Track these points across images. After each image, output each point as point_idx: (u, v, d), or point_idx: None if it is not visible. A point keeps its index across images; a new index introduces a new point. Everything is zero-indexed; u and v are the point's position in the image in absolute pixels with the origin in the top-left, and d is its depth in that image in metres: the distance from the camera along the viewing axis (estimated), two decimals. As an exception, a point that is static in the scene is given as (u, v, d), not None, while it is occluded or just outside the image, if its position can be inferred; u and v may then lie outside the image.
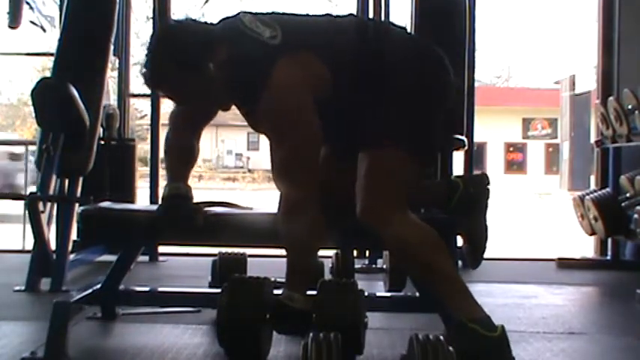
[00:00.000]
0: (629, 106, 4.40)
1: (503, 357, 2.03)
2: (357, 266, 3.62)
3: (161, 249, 4.61)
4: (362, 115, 2.17)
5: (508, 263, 4.81)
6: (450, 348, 1.82)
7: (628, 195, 4.53)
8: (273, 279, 2.29)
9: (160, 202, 2.36)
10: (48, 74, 4.35)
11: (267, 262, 2.95)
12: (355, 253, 3.97)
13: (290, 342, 2.40)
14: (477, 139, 4.75)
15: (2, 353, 2.36)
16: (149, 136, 4.80)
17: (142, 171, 5.57)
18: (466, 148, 3.94)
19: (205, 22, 2.25)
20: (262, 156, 23.57)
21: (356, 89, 2.16)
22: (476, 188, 2.48)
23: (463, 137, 3.63)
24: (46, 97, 3.55)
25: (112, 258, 2.77)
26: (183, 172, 2.34)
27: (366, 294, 2.35)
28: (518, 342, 2.44)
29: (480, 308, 2.09)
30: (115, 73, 4.95)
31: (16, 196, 4.22)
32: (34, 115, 3.66)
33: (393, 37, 2.32)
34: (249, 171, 25.84)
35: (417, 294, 2.62)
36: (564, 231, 7.26)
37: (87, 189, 3.84)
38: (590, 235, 4.86)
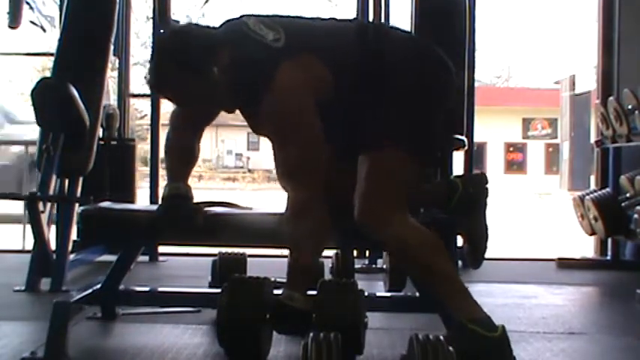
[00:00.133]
0: (629, 106, 4.40)
1: (504, 357, 2.03)
2: (357, 266, 3.62)
3: (161, 249, 4.61)
4: (362, 116, 2.18)
5: (508, 263, 4.81)
6: (450, 348, 1.82)
7: (628, 195, 4.53)
8: (273, 279, 2.29)
9: (159, 202, 2.37)
10: (48, 74, 4.35)
11: (267, 262, 2.95)
12: (355, 253, 3.97)
13: (290, 342, 2.40)
14: (477, 139, 4.75)
15: (2, 353, 2.36)
16: (149, 136, 4.80)
17: (142, 171, 5.57)
18: (466, 148, 3.94)
19: (208, 26, 2.26)
20: (262, 156, 23.58)
21: (356, 91, 2.17)
22: (475, 188, 2.48)
23: (463, 137, 3.63)
24: (46, 97, 3.55)
25: (112, 258, 2.77)
26: (183, 172, 2.34)
27: (366, 294, 2.35)
28: (518, 342, 2.44)
29: (480, 308, 2.09)
30: (115, 73, 4.96)
31: (16, 196, 4.21)
32: (34, 115, 3.66)
33: (393, 38, 2.32)
34: (249, 171, 25.85)
35: (417, 294, 2.62)
36: (564, 231, 7.26)
37: (87, 189, 3.84)
38: (590, 235, 4.86)
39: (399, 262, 2.87)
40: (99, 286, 2.64)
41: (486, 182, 2.51)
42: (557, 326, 2.92)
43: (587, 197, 4.70)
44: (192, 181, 2.37)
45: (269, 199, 7.84)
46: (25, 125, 7.02)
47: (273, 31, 2.17)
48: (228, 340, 2.18)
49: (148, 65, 2.23)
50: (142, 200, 4.73)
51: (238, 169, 26.69)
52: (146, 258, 4.48)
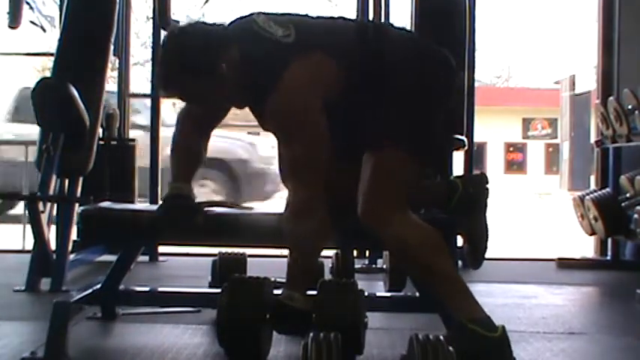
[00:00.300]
0: (629, 106, 4.40)
1: (504, 357, 2.02)
2: (357, 266, 3.62)
3: (161, 249, 4.61)
4: (363, 116, 2.18)
5: (508, 263, 4.81)
6: (450, 348, 1.82)
7: (628, 195, 4.53)
8: (273, 279, 2.29)
9: (160, 201, 2.37)
10: (48, 74, 4.35)
11: (267, 262, 2.95)
12: (355, 253, 3.97)
13: (290, 342, 2.40)
14: (477, 139, 4.74)
15: (2, 353, 2.36)
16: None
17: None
18: (466, 148, 3.94)
19: (216, 24, 2.25)
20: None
21: (361, 90, 2.17)
22: (475, 188, 2.48)
23: (463, 137, 3.63)
24: (46, 97, 3.55)
25: (112, 258, 2.77)
26: (186, 173, 2.34)
27: (366, 294, 2.35)
28: (518, 342, 2.44)
29: (480, 308, 2.09)
30: (115, 73, 4.95)
31: (16, 196, 4.22)
32: (34, 115, 3.66)
33: (393, 38, 2.32)
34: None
35: (417, 294, 2.62)
36: (564, 231, 7.25)
37: (87, 189, 3.84)
38: (590, 235, 4.86)
39: (399, 262, 2.87)
40: (99, 286, 2.64)
41: (487, 182, 2.51)
42: (557, 326, 2.92)
43: (587, 197, 4.70)
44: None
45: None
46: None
47: (283, 28, 2.17)
48: (228, 340, 2.18)
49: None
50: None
51: (238, 169, 26.66)
52: (146, 258, 4.48)
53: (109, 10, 4.02)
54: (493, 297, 3.40)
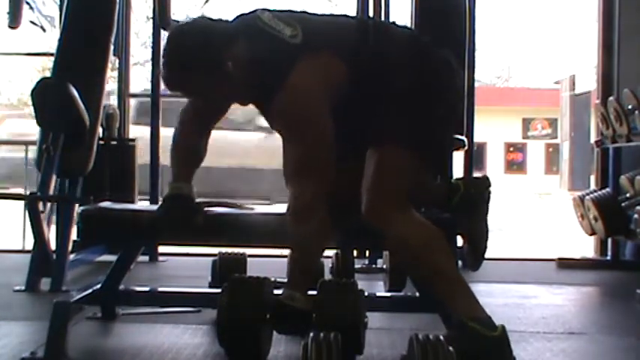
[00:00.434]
0: (629, 106, 4.40)
1: (504, 357, 2.02)
2: (357, 266, 3.62)
3: (161, 249, 4.61)
4: (364, 114, 2.18)
5: (508, 263, 4.81)
6: (450, 348, 1.82)
7: (628, 195, 4.53)
8: (273, 279, 2.28)
9: (160, 201, 2.36)
10: (48, 74, 4.35)
11: (267, 262, 2.95)
12: (355, 253, 3.97)
13: (290, 342, 2.40)
14: (477, 139, 4.74)
15: (2, 353, 2.36)
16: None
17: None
18: (466, 148, 3.94)
19: (221, 20, 2.24)
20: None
21: (362, 88, 2.17)
22: (477, 189, 2.48)
23: (463, 137, 3.63)
24: (46, 97, 3.55)
25: (112, 258, 2.77)
26: (186, 172, 2.33)
27: (366, 294, 2.35)
28: (518, 342, 2.44)
29: (480, 308, 2.09)
30: (115, 73, 4.95)
31: (16, 196, 4.22)
32: (34, 115, 3.66)
33: (393, 35, 2.32)
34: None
35: (417, 294, 2.62)
36: (564, 231, 7.26)
37: (87, 189, 3.84)
38: (590, 235, 4.86)
39: (400, 260, 2.87)
40: (99, 286, 2.64)
41: (489, 185, 2.51)
42: (557, 326, 2.92)
43: (587, 197, 4.70)
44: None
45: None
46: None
47: (290, 27, 2.16)
48: (229, 340, 2.18)
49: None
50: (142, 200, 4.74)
51: (238, 169, 26.68)
52: (146, 258, 4.48)
53: (109, 10, 4.02)
54: (493, 297, 3.40)
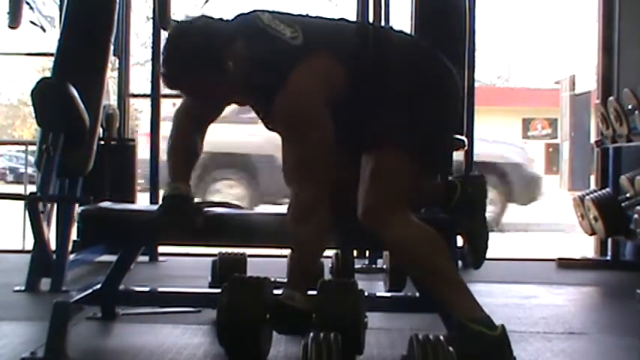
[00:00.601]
0: (629, 106, 4.40)
1: (504, 357, 2.03)
2: (357, 266, 3.62)
3: (161, 249, 4.61)
4: (363, 117, 2.18)
5: (508, 263, 4.81)
6: (450, 348, 1.82)
7: (628, 195, 4.53)
8: (273, 279, 2.28)
9: (160, 202, 2.36)
10: (48, 74, 4.35)
11: (267, 262, 2.95)
12: (355, 253, 3.97)
13: (290, 342, 2.40)
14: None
15: (2, 353, 2.36)
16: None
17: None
18: (466, 148, 3.94)
19: (221, 19, 2.24)
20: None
21: (362, 91, 2.17)
22: (474, 188, 2.48)
23: (463, 137, 3.63)
24: (46, 97, 3.55)
25: (112, 258, 2.77)
26: (184, 172, 2.33)
27: (366, 294, 2.35)
28: (518, 342, 2.44)
29: (480, 308, 2.09)
30: (115, 73, 4.95)
31: (16, 196, 4.21)
32: (34, 115, 3.66)
33: (393, 40, 2.33)
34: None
35: (417, 294, 2.62)
36: (564, 231, 7.26)
37: (87, 189, 3.84)
38: (590, 235, 4.86)
39: (399, 262, 2.87)
40: (99, 286, 2.64)
41: (485, 183, 2.52)
42: (557, 326, 2.92)
43: (587, 197, 4.70)
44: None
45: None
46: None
47: (291, 28, 2.17)
48: (229, 340, 2.18)
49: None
50: (142, 200, 4.73)
51: (238, 169, 26.66)
52: (146, 258, 4.48)
53: (109, 10, 4.02)
54: (493, 297, 3.40)
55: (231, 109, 2.48)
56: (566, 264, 4.64)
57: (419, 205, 2.46)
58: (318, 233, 2.14)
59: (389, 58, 2.23)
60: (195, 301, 2.79)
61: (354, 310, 2.20)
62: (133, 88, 5.10)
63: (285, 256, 2.19)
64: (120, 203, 2.78)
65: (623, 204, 4.51)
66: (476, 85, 4.71)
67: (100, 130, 4.11)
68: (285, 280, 2.18)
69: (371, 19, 4.53)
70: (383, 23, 4.50)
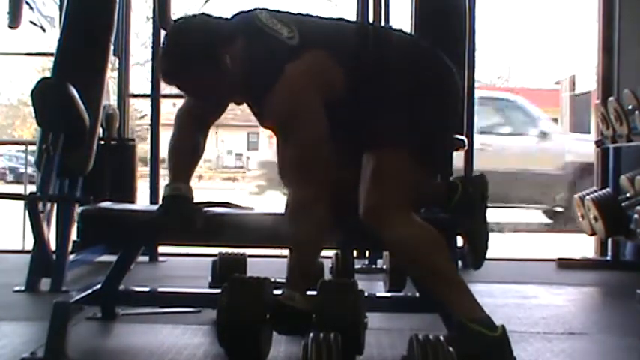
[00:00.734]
0: (629, 106, 4.40)
1: (504, 357, 2.03)
2: (357, 266, 3.62)
3: (161, 249, 4.61)
4: (364, 117, 2.18)
5: (508, 263, 4.80)
6: (450, 348, 1.82)
7: (628, 195, 4.53)
8: (273, 279, 2.28)
9: (160, 202, 2.36)
10: (48, 74, 4.35)
11: (267, 262, 2.95)
12: (355, 253, 3.97)
13: (290, 342, 2.40)
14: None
15: (2, 353, 2.36)
16: (149, 136, 4.80)
17: (142, 171, 5.57)
18: (466, 148, 3.93)
19: (220, 17, 2.25)
20: (262, 156, 23.52)
21: (362, 91, 2.17)
22: (475, 188, 2.48)
23: (463, 137, 3.63)
24: (46, 97, 3.55)
25: (112, 258, 2.77)
26: (185, 173, 2.33)
27: (366, 294, 2.35)
28: (518, 342, 2.44)
29: (480, 308, 2.09)
30: (115, 73, 4.95)
31: (16, 196, 4.21)
32: (34, 115, 3.66)
33: (394, 40, 2.33)
34: (250, 171, 25.82)
35: (417, 294, 2.62)
36: (564, 231, 7.25)
37: (87, 189, 3.84)
38: (590, 235, 4.86)
39: (400, 262, 2.87)
40: (99, 286, 2.64)
41: (486, 183, 2.52)
42: (557, 326, 2.92)
43: (587, 197, 4.69)
44: (192, 182, 2.36)
45: (269, 199, 7.84)
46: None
47: (288, 28, 2.17)
48: (229, 340, 2.18)
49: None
50: (142, 200, 4.73)
51: (238, 169, 26.67)
52: (146, 258, 4.48)
53: (109, 10, 4.02)
54: (493, 297, 3.40)
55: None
56: (566, 264, 4.64)
57: (419, 205, 2.46)
58: (315, 233, 2.14)
59: (389, 57, 2.23)
60: (195, 301, 2.79)
61: (354, 310, 2.20)
62: (133, 88, 5.10)
63: (285, 256, 2.19)
64: (120, 203, 2.78)
65: (623, 204, 4.51)
66: (476, 85, 4.71)
67: (100, 130, 4.11)
68: (285, 280, 2.18)
69: (371, 20, 4.53)
70: (383, 23, 4.50)
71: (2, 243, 5.22)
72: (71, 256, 3.77)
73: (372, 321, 2.32)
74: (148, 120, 5.50)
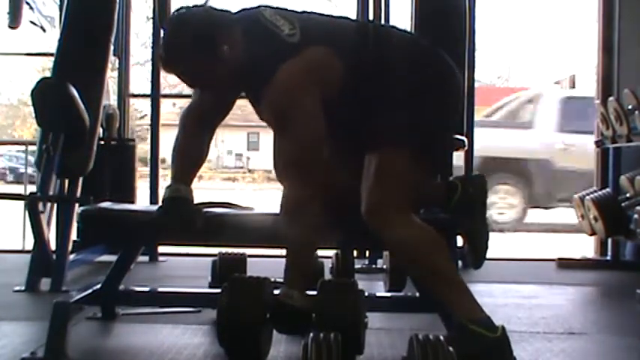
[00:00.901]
0: (629, 107, 4.39)
1: (504, 357, 2.03)
2: (357, 266, 3.62)
3: (161, 249, 4.61)
4: (365, 116, 2.18)
5: (508, 263, 4.80)
6: (450, 348, 1.82)
7: (628, 195, 4.53)
8: (273, 279, 2.28)
9: (160, 203, 2.36)
10: (48, 74, 4.35)
11: (267, 262, 2.95)
12: (355, 253, 3.97)
13: (290, 342, 2.40)
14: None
15: (2, 353, 2.36)
16: (149, 136, 4.80)
17: (142, 171, 5.58)
18: (466, 148, 3.93)
19: (224, 10, 2.26)
20: (262, 156, 23.56)
21: (362, 90, 2.17)
22: (474, 188, 2.48)
23: (463, 137, 3.63)
24: (46, 97, 3.55)
25: (112, 258, 2.77)
26: (186, 174, 2.33)
27: (366, 294, 2.35)
28: (518, 342, 2.44)
29: (480, 309, 2.09)
30: (115, 73, 4.95)
31: (16, 196, 4.21)
32: (34, 115, 3.66)
33: (394, 38, 2.33)
34: (249, 171, 25.83)
35: (417, 294, 2.62)
36: (564, 231, 7.25)
37: (87, 189, 3.84)
38: (590, 235, 4.86)
39: (400, 262, 2.87)
40: (99, 286, 2.64)
41: (485, 183, 2.52)
42: (557, 326, 2.92)
43: (587, 197, 4.69)
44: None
45: (269, 199, 7.82)
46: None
47: (290, 25, 2.18)
48: (229, 340, 2.18)
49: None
50: (142, 200, 4.73)
51: (238, 169, 26.67)
52: (146, 258, 4.48)
53: (109, 10, 4.02)
54: (493, 297, 3.40)
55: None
56: (566, 264, 4.64)
57: (419, 205, 2.46)
58: (309, 230, 2.14)
59: (389, 56, 2.23)
60: (195, 301, 2.79)
61: (354, 310, 2.20)
62: (133, 88, 5.10)
63: (285, 255, 2.19)
64: (120, 203, 2.78)
65: (623, 204, 4.50)
66: (476, 85, 4.71)
67: (100, 130, 4.11)
68: (283, 279, 2.18)
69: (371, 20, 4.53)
70: (383, 23, 4.50)
71: (2, 243, 5.22)
72: (71, 256, 3.77)
73: (372, 321, 2.32)
74: (148, 120, 5.51)
